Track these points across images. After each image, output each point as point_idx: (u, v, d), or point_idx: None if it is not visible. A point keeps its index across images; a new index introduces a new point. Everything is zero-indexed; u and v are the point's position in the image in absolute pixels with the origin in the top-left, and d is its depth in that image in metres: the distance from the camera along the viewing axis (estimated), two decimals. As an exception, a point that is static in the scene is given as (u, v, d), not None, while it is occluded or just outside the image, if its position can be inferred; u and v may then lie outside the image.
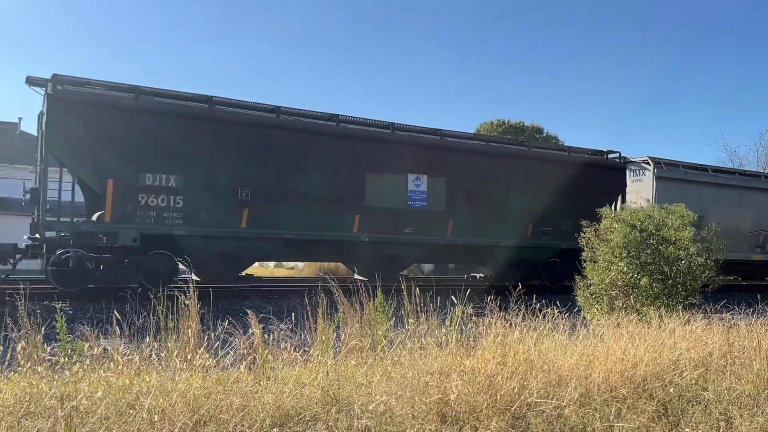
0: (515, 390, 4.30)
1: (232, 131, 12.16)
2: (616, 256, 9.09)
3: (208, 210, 11.91)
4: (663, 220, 9.39)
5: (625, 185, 17.41)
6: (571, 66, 78.80)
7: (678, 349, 5.51)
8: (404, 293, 6.30)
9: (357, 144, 13.39)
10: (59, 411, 3.60)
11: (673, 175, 18.38)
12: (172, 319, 5.46)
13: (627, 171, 17.81)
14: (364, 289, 6.34)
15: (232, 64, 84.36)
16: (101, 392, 3.94)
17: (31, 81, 11.43)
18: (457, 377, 4.34)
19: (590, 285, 9.24)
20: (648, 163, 18.23)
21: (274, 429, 3.82)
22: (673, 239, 9.17)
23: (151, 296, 5.94)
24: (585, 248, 9.61)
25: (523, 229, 15.32)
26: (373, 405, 4.05)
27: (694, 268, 9.13)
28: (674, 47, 74.89)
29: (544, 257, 15.81)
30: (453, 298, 6.22)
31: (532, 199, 15.25)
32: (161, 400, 3.89)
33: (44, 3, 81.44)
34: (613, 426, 4.12)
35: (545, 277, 16.00)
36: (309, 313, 6.03)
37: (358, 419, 3.92)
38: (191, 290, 5.63)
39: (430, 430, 3.89)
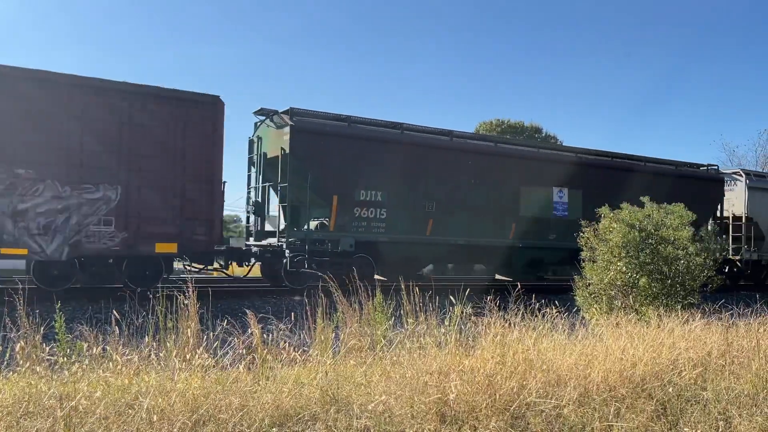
0: (514, 390, 4.30)
1: (418, 153, 14.08)
2: (615, 256, 9.09)
3: (403, 220, 13.93)
4: (662, 220, 9.39)
5: (723, 195, 19.12)
6: (570, 66, 78.92)
7: (677, 349, 5.52)
8: (403, 293, 6.31)
9: (512, 162, 15.40)
10: (58, 411, 3.60)
11: (762, 185, 19.97)
12: (171, 319, 5.46)
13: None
14: (362, 289, 6.34)
15: (232, 64, 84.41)
16: (100, 392, 3.94)
17: (262, 111, 13.67)
18: (456, 377, 4.34)
19: (589, 285, 9.25)
20: (740, 175, 20.04)
21: (273, 429, 3.82)
22: (672, 239, 9.18)
23: (150, 296, 5.94)
24: (584, 248, 9.63)
25: None
26: (372, 405, 4.05)
27: (693, 267, 9.13)
28: (674, 47, 75.01)
29: None
30: (452, 298, 6.22)
31: None
32: (160, 400, 3.89)
33: (44, 3, 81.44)
34: (612, 425, 4.13)
35: None
36: (308, 313, 6.03)
37: (357, 419, 3.92)
38: (190, 290, 5.63)
39: (429, 429, 3.90)
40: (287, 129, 12.80)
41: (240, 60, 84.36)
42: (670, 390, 4.69)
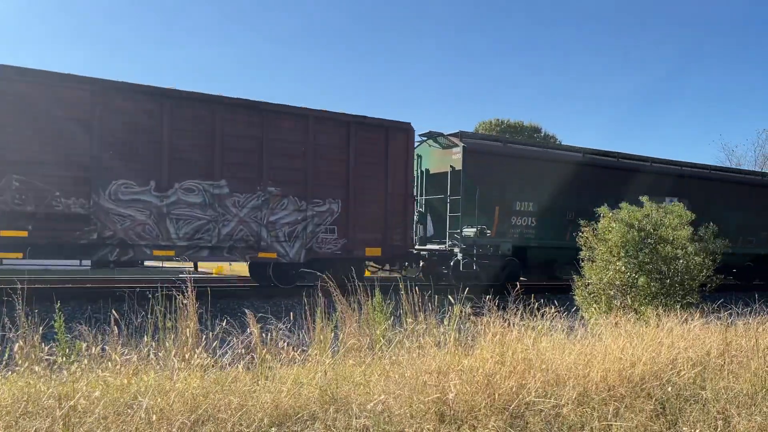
0: (513, 389, 4.31)
1: (558, 168, 16.09)
2: (614, 256, 9.09)
3: (548, 228, 15.84)
4: (661, 220, 9.39)
5: None
6: (569, 65, 79.00)
7: (676, 348, 5.52)
8: (402, 292, 6.30)
9: (632, 175, 17.47)
10: (57, 411, 3.59)
11: None
12: (170, 319, 5.45)
13: None
14: (362, 289, 6.34)
15: (233, 63, 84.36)
16: (99, 392, 3.94)
17: (429, 134, 15.43)
18: (455, 376, 4.34)
19: (588, 284, 9.24)
20: None
21: (273, 428, 3.82)
22: (671, 238, 9.17)
23: (149, 296, 5.94)
24: (583, 247, 9.63)
25: (734, 239, 18.70)
26: (372, 404, 4.05)
27: (692, 267, 9.13)
28: (673, 47, 75.05)
29: (744, 261, 20.19)
30: (451, 297, 6.22)
31: (740, 215, 19.36)
32: (159, 400, 3.89)
33: (44, 3, 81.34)
34: (611, 425, 4.13)
35: (736, 277, 20.54)
36: (307, 313, 6.02)
37: (356, 418, 3.92)
38: (189, 290, 5.61)
39: (428, 429, 3.90)
40: (457, 149, 14.78)
41: (240, 60, 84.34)
42: (669, 389, 4.70)
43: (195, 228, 11.42)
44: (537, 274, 16.65)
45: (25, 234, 10.02)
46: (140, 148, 10.92)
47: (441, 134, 15.39)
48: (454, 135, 15.14)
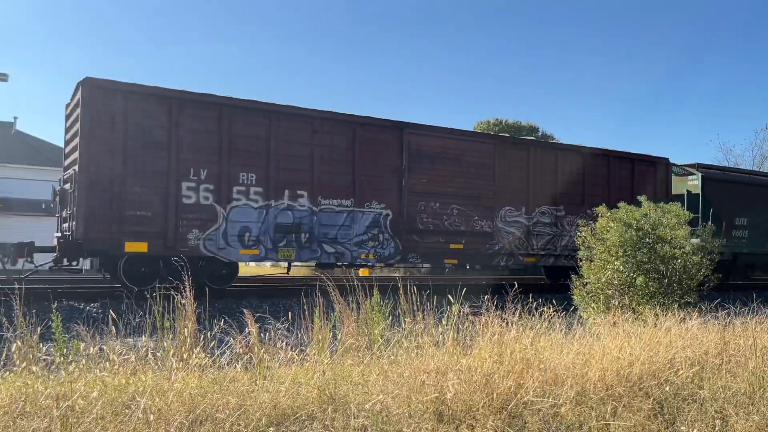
0: (512, 389, 4.31)
1: (756, 191, 20.22)
2: (612, 255, 9.09)
3: (756, 238, 19.78)
4: (659, 219, 9.40)
5: None
6: (568, 65, 79.10)
7: (674, 348, 5.52)
8: (401, 292, 6.29)
9: None
10: (55, 411, 3.59)
11: None
12: (168, 319, 5.44)
13: None
14: (360, 288, 6.34)
15: (233, 62, 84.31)
16: (97, 392, 3.93)
17: (680, 167, 19.02)
18: (453, 376, 4.34)
19: (586, 284, 9.25)
20: None
21: (271, 428, 3.82)
22: (669, 238, 9.18)
23: (147, 296, 5.93)
24: (581, 247, 9.63)
25: None
26: (370, 404, 4.05)
27: (690, 266, 9.14)
28: (672, 47, 75.14)
29: None
30: (450, 297, 6.22)
31: None
32: (157, 400, 3.88)
33: (45, 3, 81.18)
34: (609, 424, 4.13)
35: None
36: (306, 313, 6.02)
37: (354, 418, 3.92)
38: (188, 290, 5.61)
39: (426, 428, 3.90)
40: (694, 177, 18.70)
41: (240, 58, 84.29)
42: (667, 389, 4.70)
43: (546, 241, 15.46)
44: (742, 274, 20.50)
45: (461, 246, 14.17)
46: (516, 183, 15.02)
47: (675, 164, 18.79)
48: (690, 166, 19.10)
